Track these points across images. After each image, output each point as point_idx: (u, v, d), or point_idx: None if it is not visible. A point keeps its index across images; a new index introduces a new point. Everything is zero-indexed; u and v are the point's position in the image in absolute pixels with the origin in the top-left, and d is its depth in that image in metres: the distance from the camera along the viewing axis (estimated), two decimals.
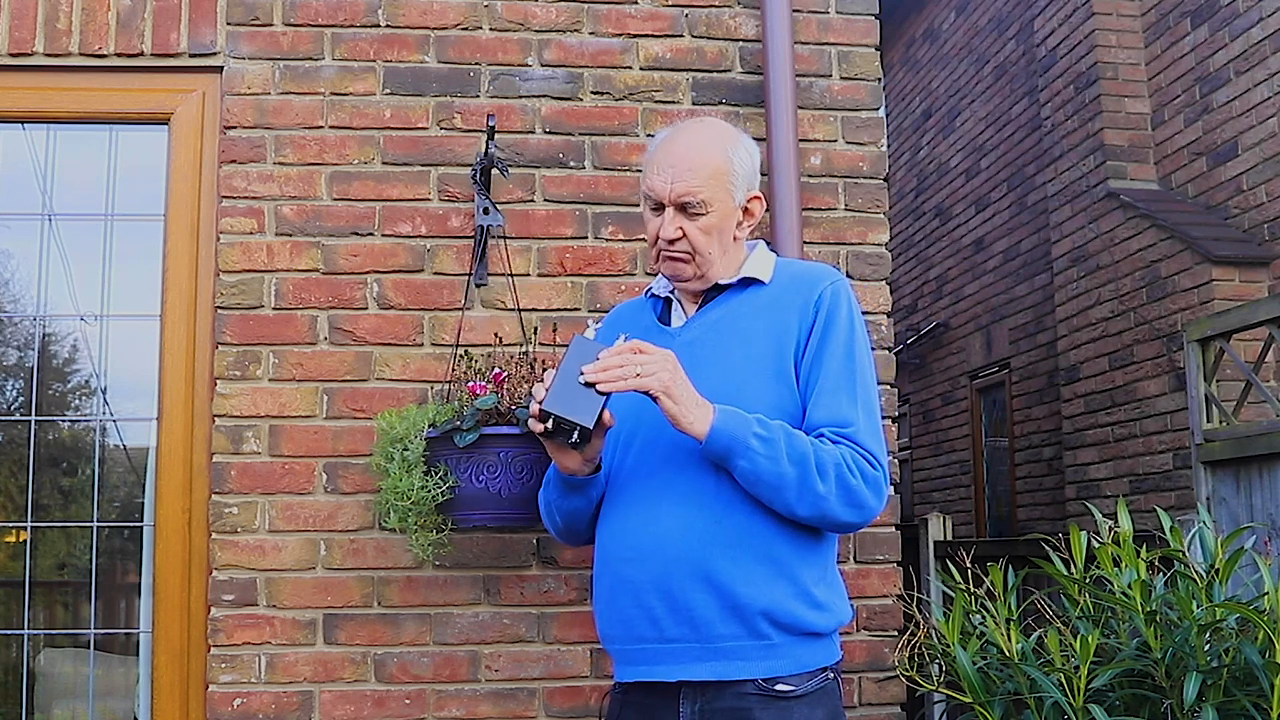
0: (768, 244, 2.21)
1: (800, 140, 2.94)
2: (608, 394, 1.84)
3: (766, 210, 2.89)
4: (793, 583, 1.91)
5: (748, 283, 2.08)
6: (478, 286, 2.87)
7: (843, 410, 1.95)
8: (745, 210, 2.07)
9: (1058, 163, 6.68)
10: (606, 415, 1.87)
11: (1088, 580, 2.52)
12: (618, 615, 1.97)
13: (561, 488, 2.05)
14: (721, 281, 2.07)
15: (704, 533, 1.90)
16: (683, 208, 2.00)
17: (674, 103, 2.99)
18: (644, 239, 2.64)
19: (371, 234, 2.87)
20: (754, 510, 1.92)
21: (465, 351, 2.70)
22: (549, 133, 2.95)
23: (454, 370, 2.72)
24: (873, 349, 2.20)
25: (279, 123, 2.88)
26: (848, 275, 2.96)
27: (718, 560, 1.89)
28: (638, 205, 2.81)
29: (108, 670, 2.91)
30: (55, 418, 3.04)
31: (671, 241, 2.01)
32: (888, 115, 9.69)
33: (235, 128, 2.87)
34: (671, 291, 2.14)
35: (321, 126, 2.89)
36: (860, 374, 2.00)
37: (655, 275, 2.50)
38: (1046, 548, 2.64)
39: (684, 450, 1.93)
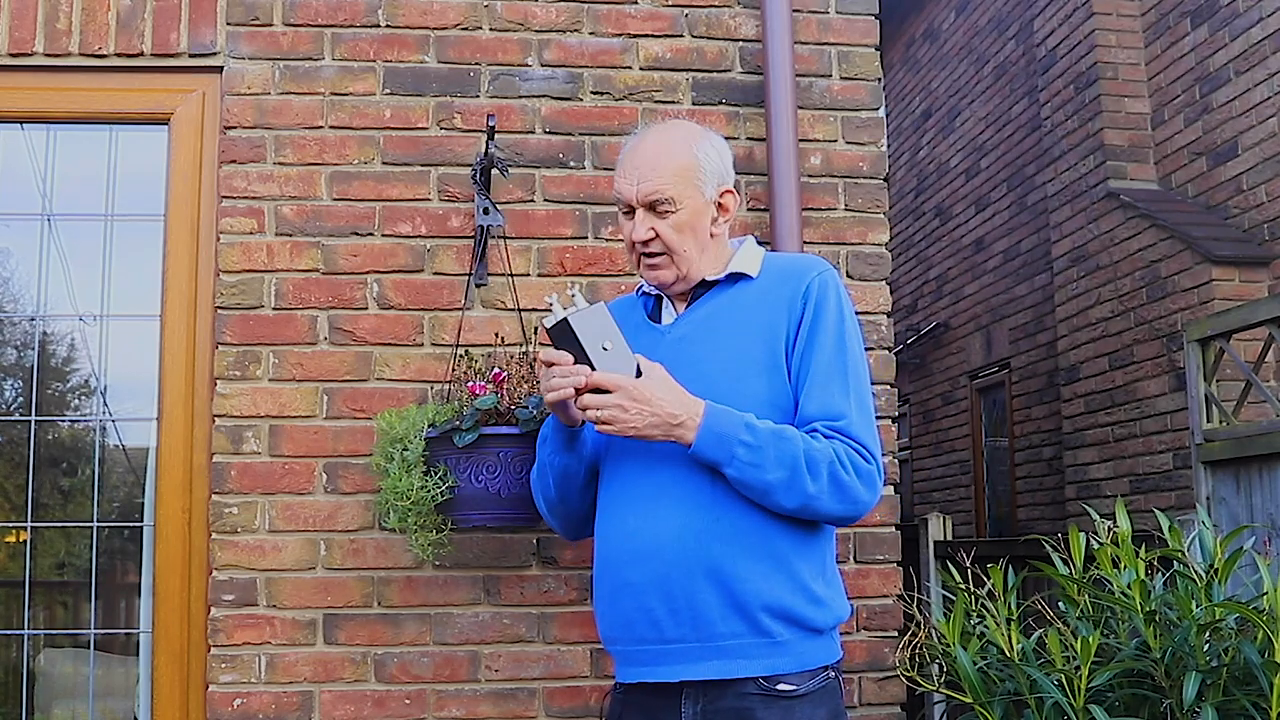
0: (757, 239, 2.21)
1: (800, 140, 2.94)
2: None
3: (766, 209, 2.90)
4: (791, 578, 1.92)
5: (735, 278, 2.08)
6: (478, 286, 2.87)
7: (835, 403, 1.95)
8: (719, 205, 2.08)
9: (1058, 163, 6.68)
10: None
11: (1087, 580, 2.52)
12: (619, 617, 1.97)
13: (558, 442, 2.06)
14: (709, 278, 2.07)
15: (702, 531, 1.91)
16: (651, 207, 2.01)
17: (674, 103, 2.99)
18: None
19: (371, 234, 2.87)
20: (751, 506, 1.92)
21: (465, 351, 2.70)
22: (549, 133, 2.95)
23: (454, 370, 2.72)
24: (870, 348, 2.19)
25: (279, 123, 2.88)
26: (847, 275, 2.96)
27: (717, 558, 1.89)
28: None
29: (108, 670, 2.91)
30: (55, 418, 3.04)
31: (645, 242, 2.02)
32: (888, 115, 9.68)
33: (235, 128, 2.87)
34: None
35: (321, 126, 2.89)
36: (852, 365, 2.00)
37: None
38: (1047, 548, 2.64)
39: (678, 450, 1.93)
